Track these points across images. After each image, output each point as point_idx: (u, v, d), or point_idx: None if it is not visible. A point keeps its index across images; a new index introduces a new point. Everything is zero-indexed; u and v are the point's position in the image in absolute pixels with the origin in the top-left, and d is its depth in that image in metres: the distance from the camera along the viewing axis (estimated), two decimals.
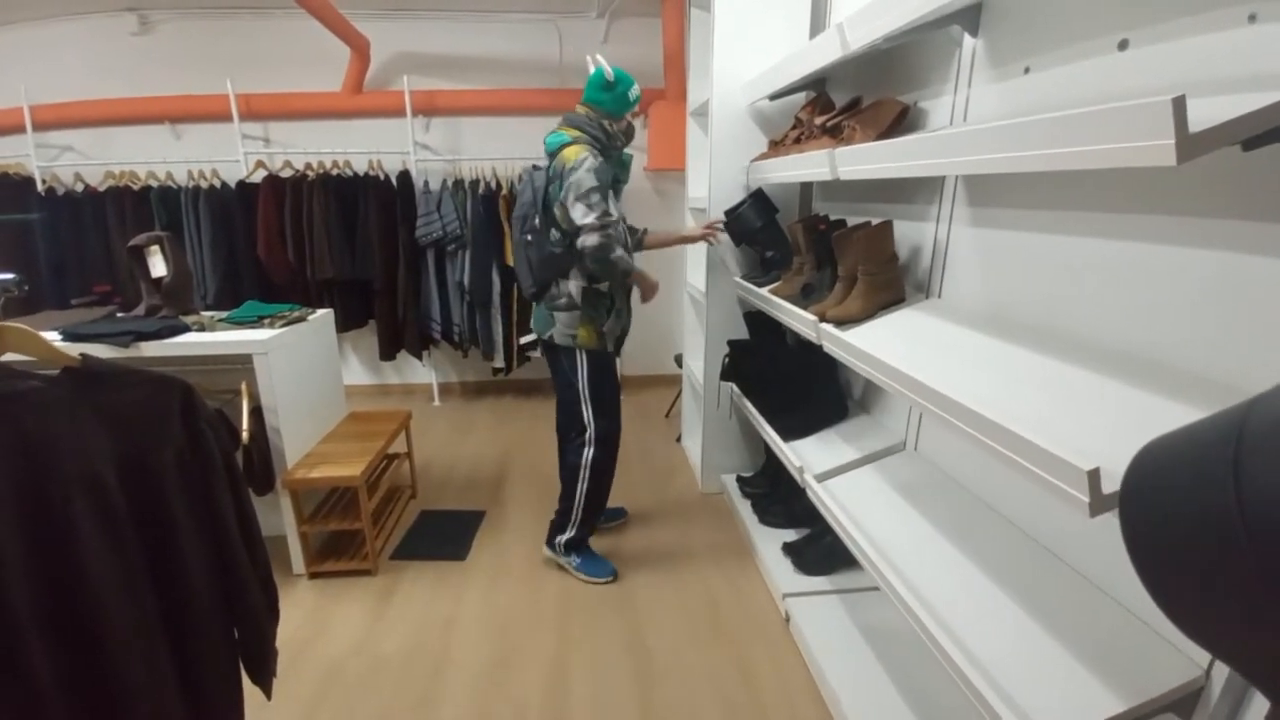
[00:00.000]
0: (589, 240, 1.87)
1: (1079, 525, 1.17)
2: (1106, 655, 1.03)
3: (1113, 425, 0.90)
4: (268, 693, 1.05)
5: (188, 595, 0.89)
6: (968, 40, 1.48)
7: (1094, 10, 1.14)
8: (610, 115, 2.00)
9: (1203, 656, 0.95)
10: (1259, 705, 0.87)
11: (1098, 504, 0.76)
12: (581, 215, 1.86)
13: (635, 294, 2.14)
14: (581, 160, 1.87)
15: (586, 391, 2.09)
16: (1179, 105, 0.68)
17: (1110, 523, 1.10)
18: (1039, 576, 1.22)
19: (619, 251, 1.92)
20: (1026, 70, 1.31)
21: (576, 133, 1.97)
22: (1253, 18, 0.86)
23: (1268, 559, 0.26)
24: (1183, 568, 0.33)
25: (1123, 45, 1.08)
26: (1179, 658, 0.98)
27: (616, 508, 2.58)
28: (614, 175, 2.03)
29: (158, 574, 0.86)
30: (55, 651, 0.77)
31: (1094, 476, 0.75)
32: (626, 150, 2.11)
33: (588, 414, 2.11)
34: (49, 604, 0.75)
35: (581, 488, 2.16)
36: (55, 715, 0.76)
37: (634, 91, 2.02)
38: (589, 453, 2.12)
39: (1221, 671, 0.91)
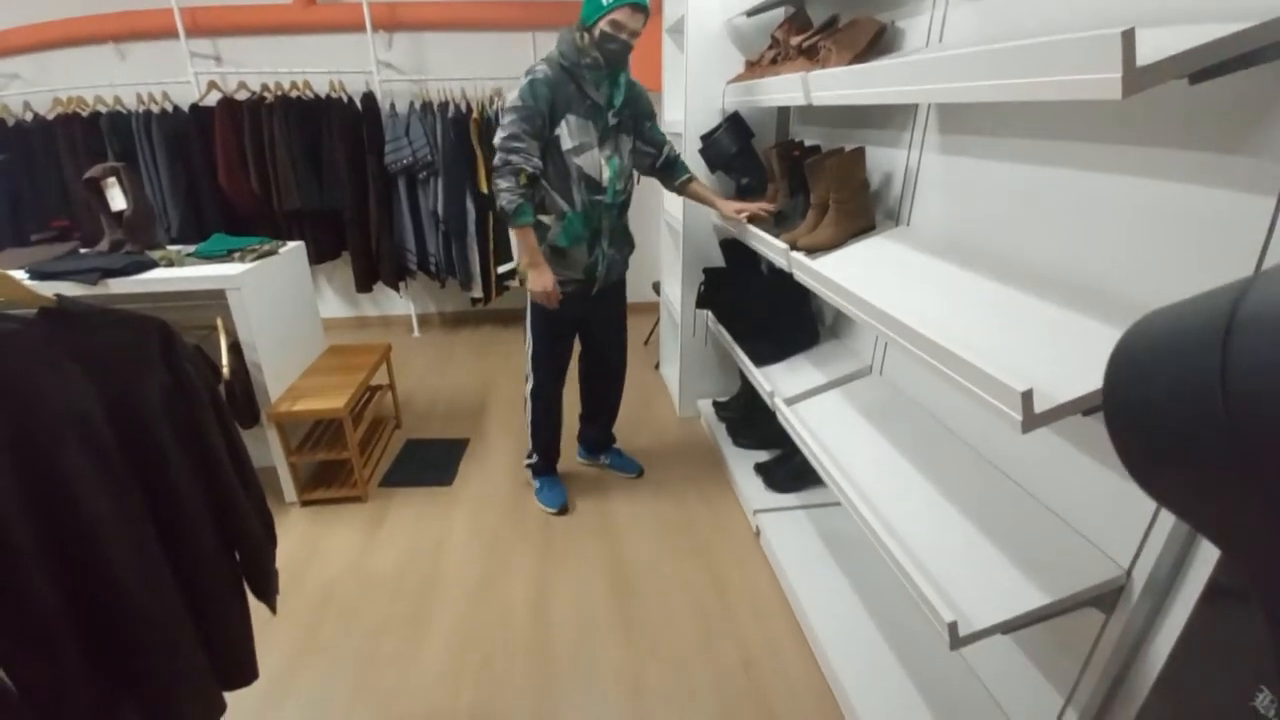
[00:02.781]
0: (494, 160, 1.82)
1: (1021, 440, 1.26)
2: (1038, 556, 1.14)
3: (1057, 350, 0.96)
4: (273, 608, 1.13)
5: (187, 525, 0.94)
6: None
7: None
8: (582, 25, 1.79)
9: (1125, 557, 1.05)
10: (1181, 606, 0.97)
11: (1029, 422, 0.82)
12: (496, 137, 1.81)
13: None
14: (519, 82, 1.79)
15: (527, 324, 2.12)
16: (1128, 39, 0.69)
17: (1046, 438, 1.19)
18: (984, 487, 1.32)
19: (506, 183, 1.79)
20: None
21: (550, 51, 1.86)
22: None
23: (1245, 437, 0.26)
24: (1159, 440, 0.33)
25: None
26: (1103, 559, 1.08)
27: (634, 462, 2.51)
28: (591, 102, 1.83)
29: (155, 506, 0.91)
30: (63, 589, 0.81)
31: (1027, 397, 0.81)
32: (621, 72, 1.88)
33: (528, 345, 2.14)
34: (52, 543, 0.79)
35: (528, 415, 2.25)
36: (69, 649, 0.82)
37: None
38: (529, 383, 2.20)
39: (1142, 572, 1.02)
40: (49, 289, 1.89)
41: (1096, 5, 1.06)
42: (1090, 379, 0.84)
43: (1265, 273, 0.29)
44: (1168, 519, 0.97)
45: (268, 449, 2.22)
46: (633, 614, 1.82)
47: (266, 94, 3.47)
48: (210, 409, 0.96)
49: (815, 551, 1.93)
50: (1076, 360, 0.92)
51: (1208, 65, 0.72)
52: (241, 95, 3.48)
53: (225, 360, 2.04)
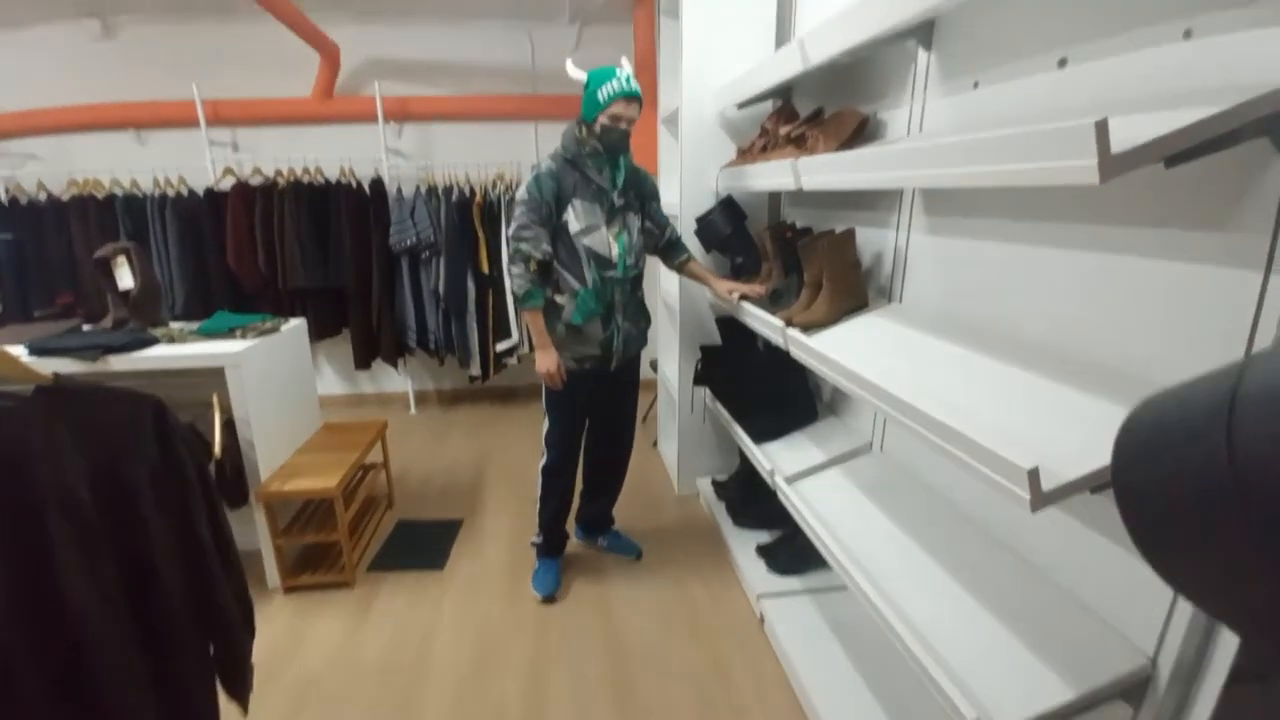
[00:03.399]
0: (508, 250, 1.97)
1: (1029, 520, 1.23)
2: (1059, 645, 1.08)
3: (1058, 426, 0.96)
4: (244, 707, 1.06)
5: (164, 611, 0.90)
6: (922, 54, 1.54)
7: (1035, 29, 1.20)
8: (582, 121, 1.92)
9: (1148, 643, 1.00)
10: (1207, 695, 0.92)
11: (1037, 500, 0.80)
12: (508, 230, 1.97)
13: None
14: (527, 178, 1.92)
15: (544, 400, 2.13)
16: (1101, 128, 0.73)
17: (1056, 517, 1.16)
18: (995, 570, 1.28)
19: (517, 269, 1.90)
20: (975, 85, 1.37)
21: (555, 147, 1.97)
22: (1188, 33, 0.91)
23: (1255, 514, 0.27)
24: (1170, 521, 0.33)
25: (1062, 63, 1.14)
26: (1127, 647, 1.03)
27: (633, 543, 2.45)
28: (596, 186, 1.92)
29: (133, 589, 0.87)
30: (38, 665, 0.77)
31: (1034, 475, 0.80)
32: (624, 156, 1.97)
33: (545, 423, 2.15)
34: (28, 619, 0.76)
35: (538, 490, 2.21)
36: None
37: (607, 89, 1.83)
38: (543, 459, 2.18)
39: (1168, 659, 0.96)
40: (48, 365, 1.90)
41: (1065, 93, 1.13)
42: (1096, 455, 0.83)
43: (1258, 355, 0.31)
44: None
45: (254, 530, 2.15)
46: (632, 707, 1.70)
47: (279, 179, 3.62)
48: (198, 489, 0.94)
49: (823, 639, 1.83)
50: (1079, 436, 0.91)
51: (1181, 150, 0.75)
52: (255, 180, 3.62)
53: (218, 438, 2.01)
